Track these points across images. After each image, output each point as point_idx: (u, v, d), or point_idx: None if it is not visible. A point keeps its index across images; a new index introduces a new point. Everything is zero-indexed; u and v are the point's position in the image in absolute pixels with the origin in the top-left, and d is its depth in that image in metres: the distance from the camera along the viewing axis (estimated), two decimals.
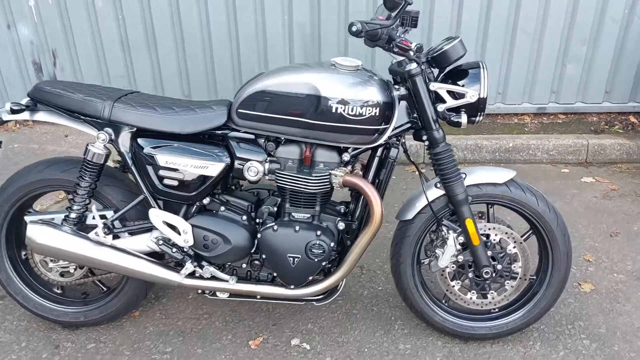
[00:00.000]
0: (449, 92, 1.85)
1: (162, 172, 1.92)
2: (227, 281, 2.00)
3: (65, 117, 1.96)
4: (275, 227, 1.93)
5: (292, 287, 2.00)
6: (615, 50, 3.85)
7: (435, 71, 1.94)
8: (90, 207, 1.98)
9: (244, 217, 1.99)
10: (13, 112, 1.92)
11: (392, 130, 1.90)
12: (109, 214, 2.03)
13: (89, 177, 1.96)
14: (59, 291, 2.24)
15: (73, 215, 1.99)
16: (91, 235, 1.97)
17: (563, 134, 3.82)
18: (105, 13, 3.69)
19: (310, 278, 1.98)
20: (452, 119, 1.84)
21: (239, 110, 1.88)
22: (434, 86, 1.84)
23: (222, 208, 2.00)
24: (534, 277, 2.14)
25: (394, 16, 1.57)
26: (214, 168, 1.91)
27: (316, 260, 1.92)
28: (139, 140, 1.94)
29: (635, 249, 2.76)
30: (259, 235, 1.95)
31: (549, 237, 2.01)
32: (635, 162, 3.75)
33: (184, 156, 1.91)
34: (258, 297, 2.06)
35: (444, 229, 2.00)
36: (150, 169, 1.93)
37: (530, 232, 2.08)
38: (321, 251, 1.90)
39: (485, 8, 3.73)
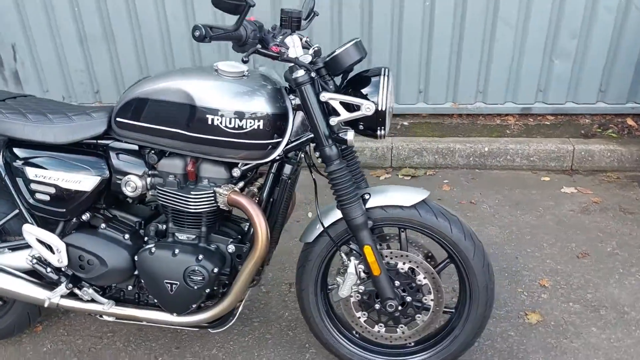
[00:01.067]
0: (343, 103, 1.62)
1: (32, 186, 1.77)
2: (103, 305, 1.84)
3: None
4: (153, 250, 1.75)
5: (174, 314, 1.82)
6: (610, 44, 3.45)
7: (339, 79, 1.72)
8: None
9: (127, 236, 1.81)
10: None
11: (289, 144, 1.69)
12: None
13: None
14: None
15: None
16: None
17: (547, 138, 3.48)
18: (60, 5, 3.55)
19: (194, 306, 1.79)
20: (339, 134, 1.61)
21: (117, 119, 1.70)
22: (324, 96, 1.60)
23: (103, 225, 1.83)
24: (453, 311, 1.90)
25: (237, 21, 1.34)
26: (87, 182, 1.74)
27: (196, 287, 1.72)
28: (11, 151, 1.79)
29: (602, 273, 2.46)
30: (136, 258, 1.77)
31: (465, 267, 1.76)
32: (627, 171, 3.38)
33: (55, 169, 1.75)
34: (144, 322, 1.89)
35: (344, 255, 1.79)
36: (20, 181, 1.78)
37: (447, 260, 1.83)
38: (200, 278, 1.71)
39: None
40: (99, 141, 1.78)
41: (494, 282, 1.81)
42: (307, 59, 1.65)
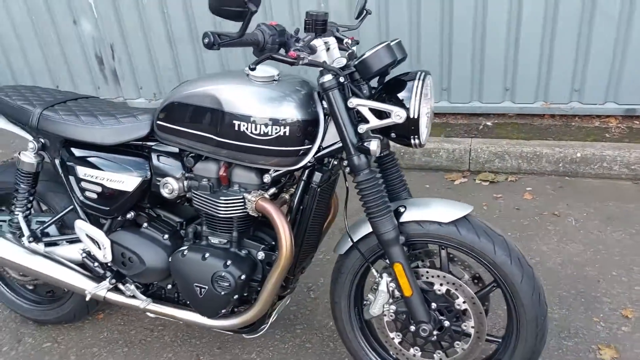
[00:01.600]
0: (373, 110, 1.50)
1: (82, 184, 1.86)
2: (142, 301, 1.90)
3: (11, 123, 1.98)
4: (185, 252, 1.76)
5: (205, 317, 1.83)
6: None
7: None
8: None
9: (166, 236, 1.85)
10: None
11: (320, 151, 1.61)
12: (48, 219, 2.04)
13: (24, 185, 1.98)
14: (30, 288, 2.32)
15: (15, 220, 2.03)
16: (24, 241, 1.99)
17: None
18: (151, 8, 3.75)
19: (224, 311, 1.78)
20: (363, 144, 1.49)
21: (157, 122, 1.74)
22: (352, 103, 1.50)
23: (145, 224, 1.88)
24: (500, 340, 1.71)
25: (241, 27, 1.28)
26: (130, 183, 1.80)
27: (222, 293, 1.71)
28: (66, 150, 1.89)
29: None
30: (169, 259, 1.80)
31: (512, 295, 1.57)
32: None
33: (101, 169, 1.83)
34: (181, 321, 1.92)
35: (374, 271, 1.67)
36: (72, 179, 1.88)
37: (494, 284, 1.65)
38: (227, 284, 1.69)
39: None
40: (144, 143, 1.83)
41: (547, 313, 1.59)
42: (341, 62, 1.56)
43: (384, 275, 1.65)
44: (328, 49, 1.62)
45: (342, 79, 1.51)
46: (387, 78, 1.61)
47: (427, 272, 1.63)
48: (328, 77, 1.50)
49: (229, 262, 1.70)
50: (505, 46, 3.27)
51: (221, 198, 1.66)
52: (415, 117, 1.48)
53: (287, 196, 1.75)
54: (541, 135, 3.28)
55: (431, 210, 1.59)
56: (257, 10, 1.24)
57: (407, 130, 1.51)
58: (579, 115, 3.36)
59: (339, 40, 1.72)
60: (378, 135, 1.55)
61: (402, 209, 1.61)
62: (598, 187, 2.99)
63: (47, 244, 2.01)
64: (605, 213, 2.74)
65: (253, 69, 1.35)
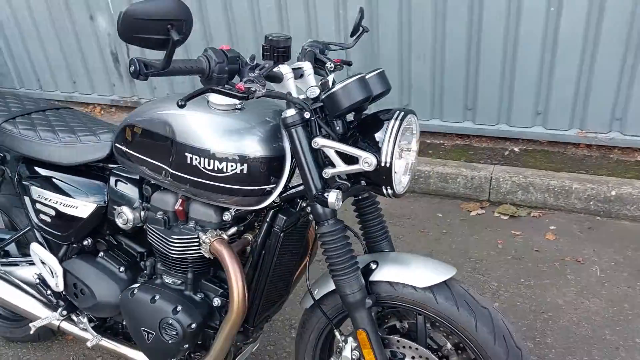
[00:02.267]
0: (339, 152, 1.28)
1: (37, 206, 1.72)
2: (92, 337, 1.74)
3: None
4: (135, 291, 1.58)
5: None
6: None
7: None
8: None
9: (122, 269, 1.68)
10: None
11: (287, 190, 1.41)
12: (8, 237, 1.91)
13: None
14: None
15: None
16: None
17: None
18: None
19: (174, 359, 1.60)
20: (323, 194, 1.27)
21: (115, 144, 1.57)
22: (316, 143, 1.28)
23: (102, 254, 1.72)
24: None
25: (165, 58, 1.07)
26: (84, 209, 1.64)
27: (170, 342, 1.53)
28: (25, 167, 1.76)
29: None
30: (119, 297, 1.64)
31: None
32: None
33: (56, 191, 1.68)
34: None
35: (338, 335, 1.45)
36: (27, 200, 1.74)
37: None
38: (174, 333, 1.51)
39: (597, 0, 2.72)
40: (105, 165, 1.67)
41: None
42: (314, 92, 1.33)
43: (349, 339, 1.43)
44: (301, 76, 1.41)
45: (307, 115, 1.29)
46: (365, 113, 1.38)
47: (398, 341, 1.40)
48: (291, 112, 1.28)
49: (179, 308, 1.51)
50: (539, 64, 2.95)
51: (173, 236, 1.48)
52: (387, 165, 1.25)
53: (250, 237, 1.55)
54: (573, 166, 2.95)
55: (407, 271, 1.36)
56: (182, 41, 1.04)
57: (379, 179, 1.27)
58: (619, 147, 3.00)
59: (321, 64, 1.51)
60: (345, 182, 1.33)
61: (373, 266, 1.38)
62: (632, 232, 2.64)
63: (5, 264, 1.88)
64: (637, 264, 2.41)
65: (182, 106, 1.14)
